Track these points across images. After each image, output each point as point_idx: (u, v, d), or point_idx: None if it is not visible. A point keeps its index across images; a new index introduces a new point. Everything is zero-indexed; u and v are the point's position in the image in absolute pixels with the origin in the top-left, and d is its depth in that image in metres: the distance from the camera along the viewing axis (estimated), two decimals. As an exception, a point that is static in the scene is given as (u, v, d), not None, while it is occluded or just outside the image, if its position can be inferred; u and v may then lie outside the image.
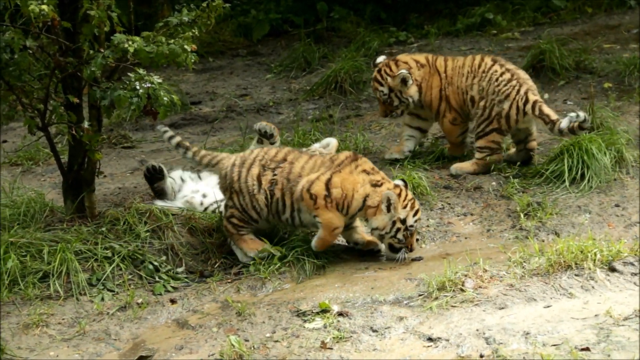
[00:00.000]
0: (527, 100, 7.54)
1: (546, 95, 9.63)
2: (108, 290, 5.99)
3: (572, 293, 5.50)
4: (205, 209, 7.01)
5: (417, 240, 6.56)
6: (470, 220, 7.07)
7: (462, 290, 5.59)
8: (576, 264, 5.70)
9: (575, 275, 5.65)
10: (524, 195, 7.20)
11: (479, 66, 7.72)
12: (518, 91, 7.55)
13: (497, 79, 7.60)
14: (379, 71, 7.91)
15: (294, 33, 13.14)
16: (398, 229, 6.29)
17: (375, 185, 6.29)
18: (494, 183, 7.48)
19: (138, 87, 5.95)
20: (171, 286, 6.15)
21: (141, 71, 6.01)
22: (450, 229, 6.96)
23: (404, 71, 7.77)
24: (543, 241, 6.52)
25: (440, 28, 12.77)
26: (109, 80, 6.18)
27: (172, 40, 6.07)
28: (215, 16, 6.35)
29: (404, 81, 7.77)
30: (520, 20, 12.84)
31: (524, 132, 7.72)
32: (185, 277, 6.27)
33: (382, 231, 6.30)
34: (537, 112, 7.50)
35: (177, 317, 5.80)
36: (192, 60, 6.12)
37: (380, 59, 8.04)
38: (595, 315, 5.09)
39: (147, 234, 6.41)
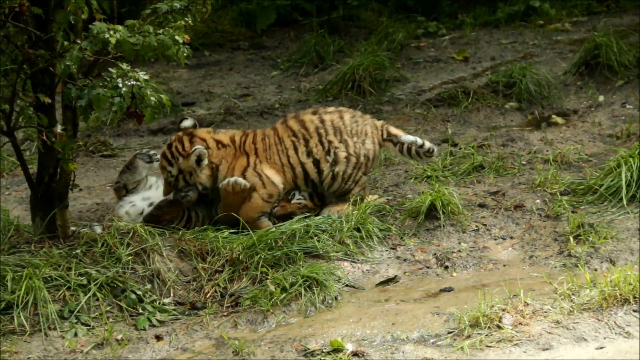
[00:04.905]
0: (377, 128, 7.60)
1: (601, 98, 9.64)
2: (82, 324, 5.99)
3: (630, 332, 5.49)
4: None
5: None
6: (510, 245, 7.07)
7: (499, 327, 5.59)
8: (635, 297, 5.70)
9: (634, 311, 5.64)
10: (574, 215, 7.19)
11: (306, 127, 7.52)
12: (369, 124, 7.59)
13: (344, 124, 7.51)
14: (169, 147, 7.34)
15: (304, 22, 13.18)
16: None
17: None
18: (538, 201, 7.48)
19: (121, 85, 5.97)
20: (157, 319, 6.15)
21: (124, 66, 6.04)
22: (485, 254, 6.96)
23: (199, 147, 7.24)
24: (596, 270, 6.51)
25: (477, 17, 12.80)
26: (86, 77, 6.20)
27: (161, 30, 6.09)
28: (212, 2, 6.39)
29: (199, 160, 7.25)
30: (571, 9, 12.85)
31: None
32: (174, 309, 6.28)
33: None
34: (386, 136, 7.58)
35: (164, 356, 5.81)
36: (185, 54, 6.15)
37: (187, 123, 7.51)
38: (657, 358, 5.10)
39: (130, 257, 6.44)
